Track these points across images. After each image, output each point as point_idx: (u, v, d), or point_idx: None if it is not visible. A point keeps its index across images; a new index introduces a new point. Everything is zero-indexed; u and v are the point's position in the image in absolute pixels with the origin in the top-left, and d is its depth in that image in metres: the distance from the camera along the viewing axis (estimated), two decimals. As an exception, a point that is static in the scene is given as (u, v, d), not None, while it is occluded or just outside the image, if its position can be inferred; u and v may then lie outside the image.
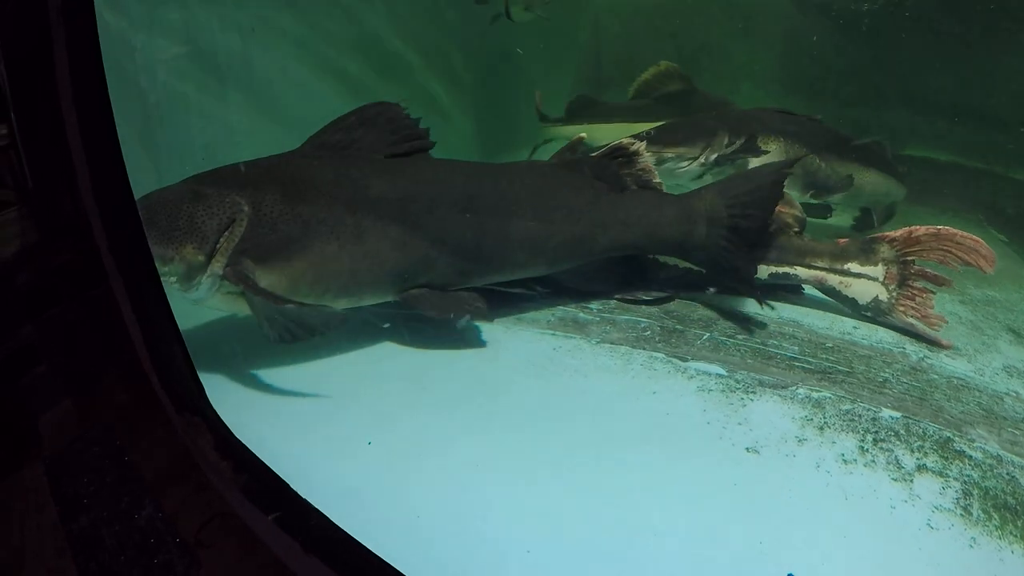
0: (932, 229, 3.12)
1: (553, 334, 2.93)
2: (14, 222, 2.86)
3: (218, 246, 2.53)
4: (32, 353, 2.64)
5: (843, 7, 7.16)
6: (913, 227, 3.19)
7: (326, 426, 2.35)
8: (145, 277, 2.17)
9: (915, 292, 3.19)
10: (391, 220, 2.76)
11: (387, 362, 2.76)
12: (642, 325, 3.03)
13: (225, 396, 2.36)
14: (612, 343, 2.86)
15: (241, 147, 3.88)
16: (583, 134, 3.76)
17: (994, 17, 5.68)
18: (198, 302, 2.65)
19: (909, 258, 3.18)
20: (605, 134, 4.80)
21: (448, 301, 2.82)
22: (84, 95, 1.94)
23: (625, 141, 3.59)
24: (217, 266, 2.54)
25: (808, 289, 3.50)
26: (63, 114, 1.97)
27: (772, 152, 4.46)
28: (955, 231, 3.08)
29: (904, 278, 3.20)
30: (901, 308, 3.22)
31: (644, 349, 2.80)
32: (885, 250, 3.22)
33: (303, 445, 2.25)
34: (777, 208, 3.49)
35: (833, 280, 3.29)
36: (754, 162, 4.45)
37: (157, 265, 2.35)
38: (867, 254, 3.25)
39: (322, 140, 2.92)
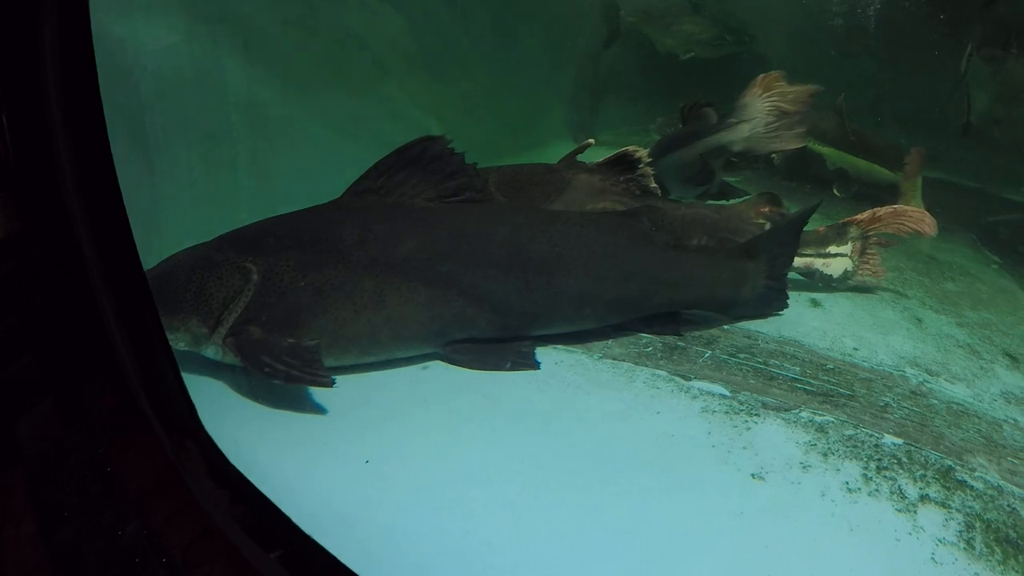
0: (890, 208, 3.74)
1: (554, 347, 2.88)
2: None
3: (222, 318, 2.48)
4: (13, 349, 2.53)
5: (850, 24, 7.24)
6: (876, 208, 3.75)
7: (322, 445, 2.26)
8: (132, 284, 2.00)
9: (869, 256, 3.77)
10: (419, 281, 2.62)
11: (385, 376, 2.67)
12: (643, 341, 2.99)
13: (216, 414, 2.19)
14: (614, 359, 2.81)
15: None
16: (591, 140, 3.73)
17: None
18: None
19: (870, 234, 3.74)
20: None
21: (490, 354, 2.71)
22: (73, 86, 1.82)
23: (630, 148, 3.62)
24: (217, 337, 2.48)
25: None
26: (51, 108, 1.87)
27: None
28: (907, 207, 3.77)
29: (864, 248, 3.77)
30: (860, 273, 3.77)
31: (647, 366, 2.76)
32: (853, 231, 3.73)
33: (300, 467, 2.16)
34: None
35: (818, 264, 3.74)
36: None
37: (166, 332, 2.27)
38: (841, 236, 3.74)
39: (364, 186, 2.76)
